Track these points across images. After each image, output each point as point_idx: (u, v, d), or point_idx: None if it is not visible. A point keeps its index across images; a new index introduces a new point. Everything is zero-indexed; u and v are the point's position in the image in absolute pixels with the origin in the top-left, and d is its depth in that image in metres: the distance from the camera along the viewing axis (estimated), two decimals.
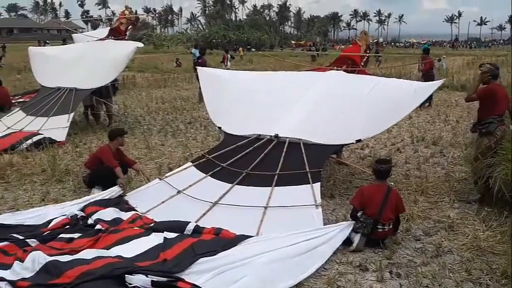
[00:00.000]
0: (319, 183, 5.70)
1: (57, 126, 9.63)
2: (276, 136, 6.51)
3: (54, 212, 5.41)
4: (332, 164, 7.83)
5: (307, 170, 5.82)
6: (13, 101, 13.91)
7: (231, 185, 5.88)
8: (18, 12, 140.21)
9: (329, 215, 5.78)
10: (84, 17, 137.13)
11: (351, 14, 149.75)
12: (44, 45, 22.27)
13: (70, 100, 10.35)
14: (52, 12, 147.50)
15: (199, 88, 15.22)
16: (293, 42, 74.82)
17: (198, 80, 11.92)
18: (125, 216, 5.36)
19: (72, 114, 10.07)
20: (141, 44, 12.43)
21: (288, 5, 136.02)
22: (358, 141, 6.65)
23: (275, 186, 5.73)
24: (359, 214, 4.92)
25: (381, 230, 4.86)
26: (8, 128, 9.89)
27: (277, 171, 5.93)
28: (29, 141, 8.81)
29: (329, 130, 6.51)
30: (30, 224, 5.23)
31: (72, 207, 5.59)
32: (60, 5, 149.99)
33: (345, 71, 9.19)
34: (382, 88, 6.99)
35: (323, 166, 6.35)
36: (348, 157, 8.47)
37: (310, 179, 5.68)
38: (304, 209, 5.27)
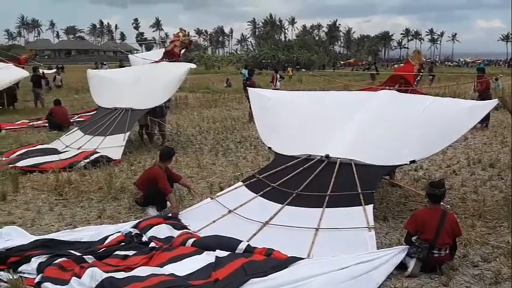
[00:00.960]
0: (372, 205, 5.59)
1: (113, 145, 9.96)
2: (327, 156, 6.46)
3: (110, 229, 5.57)
4: (385, 185, 7.68)
5: (359, 191, 5.73)
6: (71, 120, 14.61)
7: (281, 205, 5.88)
8: (76, 35, 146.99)
9: (382, 239, 5.65)
10: (138, 39, 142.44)
11: (402, 33, 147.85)
12: (101, 67, 23.14)
13: (126, 120, 10.70)
14: (108, 35, 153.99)
15: (249, 108, 15.50)
16: (342, 62, 74.39)
17: (247, 100, 12.15)
18: (177, 234, 5.44)
19: (127, 134, 10.38)
20: (194, 65, 12.77)
21: (337, 24, 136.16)
22: (412, 162, 6.49)
23: (326, 207, 5.66)
24: (414, 238, 4.79)
25: (437, 255, 4.70)
26: (67, 146, 10.34)
27: (328, 192, 5.87)
28: (87, 160, 9.12)
29: (381, 151, 6.40)
30: (86, 240, 5.40)
31: (127, 225, 5.74)
32: (116, 27, 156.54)
33: (397, 90, 9.04)
34: (436, 108, 6.82)
35: (376, 188, 6.24)
36: (401, 179, 8.28)
37: (362, 201, 5.58)
38: (357, 232, 5.18)
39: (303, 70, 55.51)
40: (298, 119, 7.65)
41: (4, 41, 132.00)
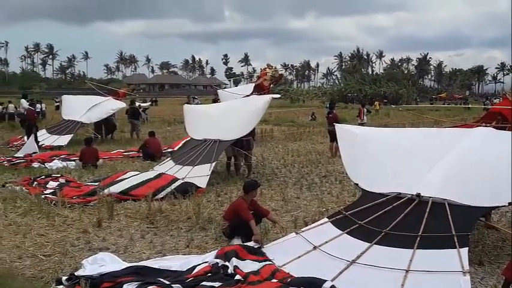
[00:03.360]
0: (467, 248, 5.26)
1: (200, 175, 10.28)
2: (418, 195, 6.21)
3: (198, 259, 5.70)
4: (480, 227, 7.22)
5: (454, 233, 5.42)
6: (163, 151, 15.33)
7: (369, 244, 5.70)
8: (170, 69, 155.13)
9: (477, 284, 5.32)
10: (227, 73, 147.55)
11: (497, 67, 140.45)
12: (193, 100, 24.19)
13: (213, 151, 11.07)
14: (199, 70, 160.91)
15: (330, 142, 15.40)
16: (433, 96, 71.95)
17: (328, 133, 12.12)
18: (263, 267, 5.45)
19: (214, 164, 10.70)
20: (276, 95, 13.04)
21: (428, 58, 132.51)
22: (511, 204, 6.07)
23: (417, 248, 5.41)
24: None
25: None
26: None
27: (420, 233, 5.61)
28: (173, 186, 9.52)
29: (477, 191, 6.03)
30: (175, 269, 5.55)
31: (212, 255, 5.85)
32: (207, 62, 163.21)
33: (494, 127, 8.57)
34: None
35: (471, 230, 5.89)
36: (498, 221, 7.77)
37: (457, 243, 5.27)
38: (450, 276, 4.88)
39: (393, 106, 54.26)
40: (386, 156, 7.46)
41: (104, 75, 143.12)
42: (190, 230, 7.41)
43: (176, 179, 9.95)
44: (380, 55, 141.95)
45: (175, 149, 10.93)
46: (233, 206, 7.02)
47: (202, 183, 9.98)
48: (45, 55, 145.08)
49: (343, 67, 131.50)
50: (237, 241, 6.56)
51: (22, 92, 29.36)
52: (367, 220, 6.12)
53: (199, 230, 7.40)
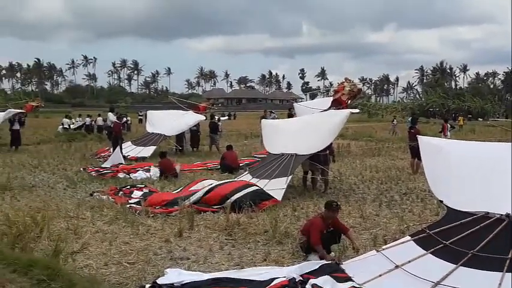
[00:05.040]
0: None
1: (276, 188, 10.42)
2: (508, 216, 5.82)
3: (277, 272, 5.71)
4: None
5: None
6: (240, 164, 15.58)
7: (455, 265, 5.41)
8: (247, 84, 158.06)
9: None
10: (304, 88, 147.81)
11: None
12: (270, 115, 24.46)
13: (290, 164, 11.18)
14: (276, 84, 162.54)
15: (411, 158, 14.87)
16: None
17: (409, 149, 11.67)
18: (342, 285, 5.35)
19: (290, 177, 10.79)
20: (355, 110, 12.87)
21: None
22: None
23: (507, 272, 5.07)
24: None
25: None
26: None
27: (510, 256, 5.26)
28: (245, 191, 9.67)
29: None
30: (254, 279, 5.60)
31: (291, 269, 5.83)
32: (284, 77, 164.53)
33: None
34: None
35: None
36: None
37: None
38: None
39: (480, 120, 51.67)
40: (474, 172, 7.04)
41: (185, 89, 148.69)
42: (267, 243, 7.43)
43: (249, 185, 10.14)
44: (464, 69, 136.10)
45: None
46: (309, 222, 6.98)
47: (278, 195, 10.08)
48: (130, 71, 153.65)
49: (425, 81, 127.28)
50: (313, 257, 6.49)
51: (109, 106, 31.09)
52: (453, 240, 5.82)
53: (276, 243, 7.39)
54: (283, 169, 11.11)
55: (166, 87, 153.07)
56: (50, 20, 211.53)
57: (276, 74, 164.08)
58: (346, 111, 12.22)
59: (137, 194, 10.80)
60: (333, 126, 11.85)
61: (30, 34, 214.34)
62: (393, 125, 33.45)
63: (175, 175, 13.43)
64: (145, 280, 5.86)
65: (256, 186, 10.25)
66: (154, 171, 13.97)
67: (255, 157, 17.03)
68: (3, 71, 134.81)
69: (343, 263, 6.10)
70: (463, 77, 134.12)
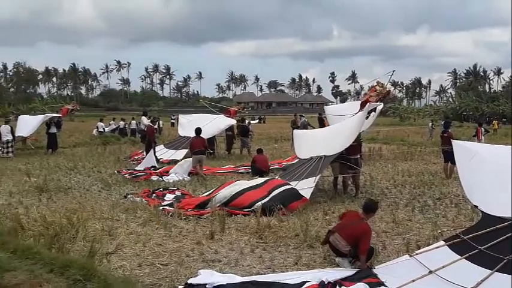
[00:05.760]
0: None
1: (304, 187, 10.53)
2: None
3: (309, 276, 5.72)
4: None
5: None
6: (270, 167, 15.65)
7: (490, 271, 5.32)
8: (277, 88, 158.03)
9: None
10: (334, 91, 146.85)
11: None
12: (300, 118, 24.46)
13: (318, 165, 11.28)
14: (306, 88, 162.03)
15: (444, 162, 14.62)
16: None
17: (442, 153, 11.54)
18: None
19: (318, 176, 10.92)
20: (376, 103, 13.12)
21: None
22: None
23: None
24: None
25: None
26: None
27: None
28: (276, 191, 9.99)
29: None
30: (285, 282, 5.62)
31: (322, 274, 5.83)
32: (314, 81, 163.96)
33: None
34: None
35: None
36: None
37: None
38: None
39: None
40: (507, 176, 6.92)
41: (215, 93, 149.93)
42: (298, 247, 7.43)
43: (278, 185, 10.36)
44: (498, 72, 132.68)
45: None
46: (355, 229, 6.50)
47: (306, 194, 10.24)
48: (163, 75, 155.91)
49: (458, 84, 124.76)
50: (342, 261, 6.46)
51: (143, 110, 31.64)
52: (488, 246, 5.72)
53: (307, 247, 7.40)
54: (312, 170, 11.22)
55: (197, 91, 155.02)
56: (85, 26, 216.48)
57: (306, 77, 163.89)
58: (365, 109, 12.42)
59: (169, 196, 10.97)
60: (358, 122, 12.10)
61: (66, 39, 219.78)
62: (431, 129, 32.82)
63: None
64: (178, 281, 5.96)
65: (286, 184, 10.49)
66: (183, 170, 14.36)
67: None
68: (40, 76, 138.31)
69: (376, 267, 6.06)
70: (497, 80, 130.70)
